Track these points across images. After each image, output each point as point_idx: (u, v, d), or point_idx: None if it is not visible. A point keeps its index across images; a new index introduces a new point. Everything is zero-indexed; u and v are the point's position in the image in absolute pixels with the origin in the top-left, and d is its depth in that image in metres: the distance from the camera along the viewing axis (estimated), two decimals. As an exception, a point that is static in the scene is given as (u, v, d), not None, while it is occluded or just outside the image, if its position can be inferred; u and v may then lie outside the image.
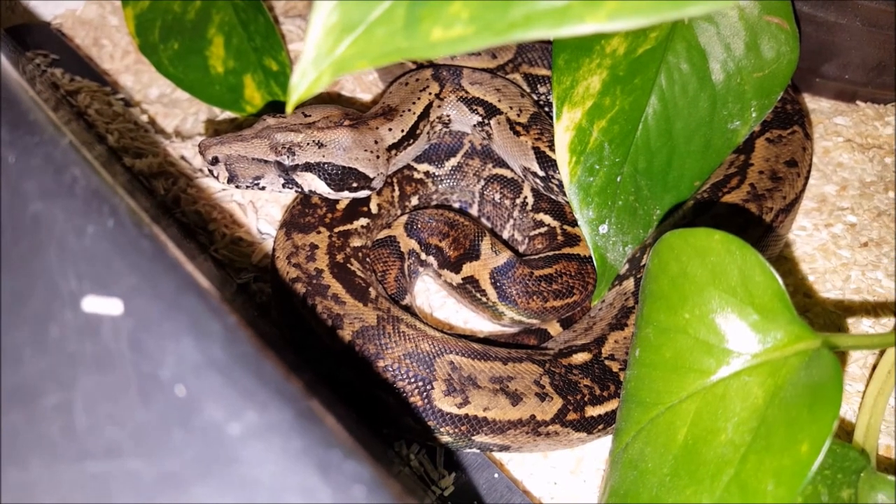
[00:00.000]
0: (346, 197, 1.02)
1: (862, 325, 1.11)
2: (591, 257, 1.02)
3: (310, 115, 1.00)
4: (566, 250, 1.07)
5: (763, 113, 1.00)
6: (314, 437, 0.43)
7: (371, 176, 0.99)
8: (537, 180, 1.09)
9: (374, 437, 0.93)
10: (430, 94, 1.08)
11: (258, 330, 0.50)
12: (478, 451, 0.95)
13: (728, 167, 1.07)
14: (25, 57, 1.29)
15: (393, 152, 1.03)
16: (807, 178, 1.10)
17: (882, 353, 0.80)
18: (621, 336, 0.97)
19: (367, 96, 1.37)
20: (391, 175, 1.12)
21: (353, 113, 1.03)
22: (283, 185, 0.99)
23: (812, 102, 1.39)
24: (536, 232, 1.14)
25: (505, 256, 1.04)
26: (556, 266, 1.04)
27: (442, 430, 0.88)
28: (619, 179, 0.98)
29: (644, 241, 1.01)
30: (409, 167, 1.15)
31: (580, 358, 0.94)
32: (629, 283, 1.02)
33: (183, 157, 1.21)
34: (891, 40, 1.24)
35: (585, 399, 0.90)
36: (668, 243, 0.71)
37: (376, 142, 1.00)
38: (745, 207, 1.01)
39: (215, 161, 0.96)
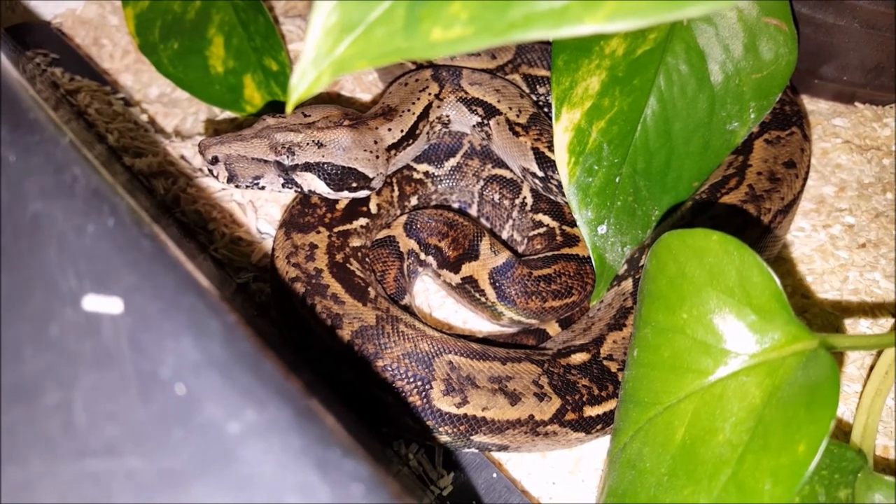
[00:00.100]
0: (345, 197, 1.02)
1: (859, 326, 1.11)
2: (589, 258, 1.02)
3: (309, 115, 1.01)
4: (565, 251, 1.07)
5: (761, 114, 1.00)
6: (313, 435, 0.43)
7: (370, 176, 1.00)
8: (536, 181, 1.09)
9: (373, 437, 0.93)
10: (429, 94, 1.08)
11: (257, 329, 0.50)
12: (476, 450, 0.95)
13: (726, 168, 1.07)
14: (25, 56, 1.29)
15: (392, 152, 1.03)
16: (805, 180, 1.10)
17: (879, 353, 0.80)
18: (620, 336, 0.97)
19: (366, 96, 1.37)
20: (390, 175, 1.12)
21: (353, 113, 1.04)
22: (283, 185, 0.99)
23: (810, 104, 1.39)
24: (535, 232, 1.14)
25: (504, 257, 1.05)
26: (554, 266, 1.04)
27: (441, 429, 0.88)
28: (617, 180, 0.98)
29: (642, 242, 1.01)
30: (408, 167, 1.15)
31: (579, 358, 0.94)
32: (627, 284, 1.02)
33: (183, 157, 1.21)
34: (889, 42, 1.24)
35: (584, 399, 0.90)
36: (667, 244, 0.71)
37: (376, 142, 1.00)
38: (744, 208, 1.01)
39: (215, 161, 0.96)
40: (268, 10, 1.23)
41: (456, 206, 1.22)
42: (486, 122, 1.11)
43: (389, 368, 0.87)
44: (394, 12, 0.46)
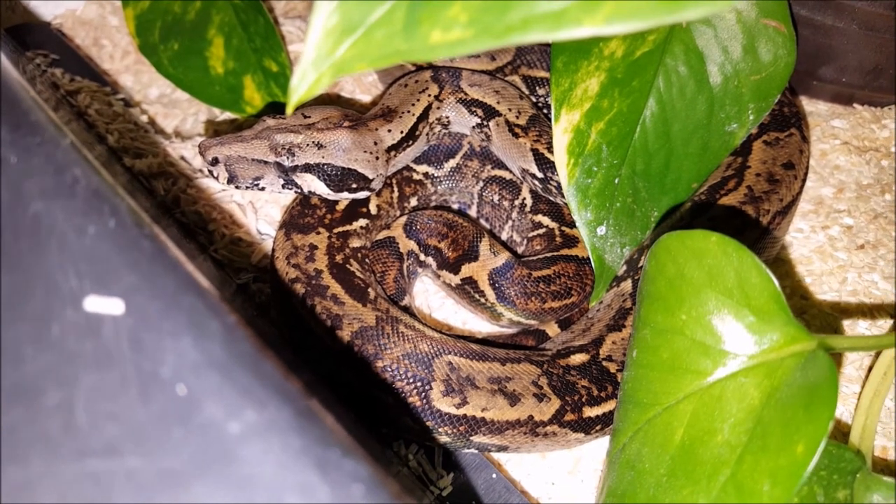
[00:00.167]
0: (345, 198, 1.02)
1: (858, 327, 1.12)
2: (589, 259, 1.02)
3: (309, 117, 1.01)
4: (564, 251, 1.07)
5: (760, 115, 1.01)
6: (313, 435, 0.43)
7: (370, 177, 1.00)
8: (536, 182, 1.09)
9: (373, 437, 0.93)
10: (429, 95, 1.09)
11: (257, 330, 0.50)
12: (476, 451, 0.95)
13: (725, 169, 1.08)
14: (25, 57, 1.29)
15: (392, 153, 1.03)
16: (804, 181, 1.10)
17: (878, 355, 0.80)
18: (619, 337, 0.97)
19: (366, 97, 1.38)
20: (390, 176, 1.12)
21: (353, 114, 1.04)
22: (283, 186, 0.99)
23: (809, 105, 1.39)
24: (535, 233, 1.14)
25: (503, 257, 1.05)
26: (554, 267, 1.04)
27: (440, 430, 0.88)
28: (616, 181, 0.98)
29: (642, 243, 1.02)
30: (408, 168, 1.15)
31: (578, 359, 0.94)
32: (627, 285, 1.02)
33: (183, 158, 1.21)
34: (888, 44, 1.24)
35: (583, 400, 0.91)
36: (666, 245, 0.71)
37: (376, 143, 1.00)
38: (742, 210, 1.01)
39: (215, 162, 0.96)
40: (268, 11, 1.23)
41: (455, 207, 1.22)
42: (485, 123, 1.11)
43: (389, 369, 0.87)
44: (393, 14, 0.47)
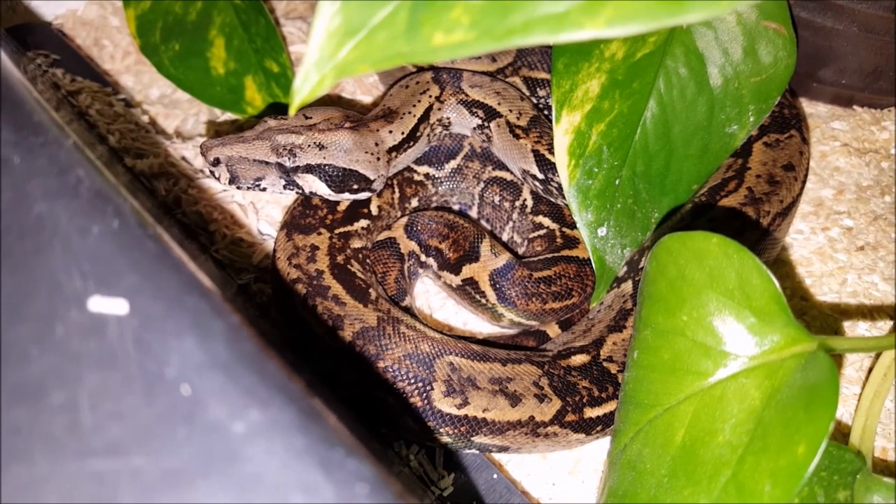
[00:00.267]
0: (346, 198, 1.02)
1: (858, 329, 1.12)
2: (589, 260, 1.02)
3: (311, 117, 1.01)
4: (565, 252, 1.07)
5: (761, 117, 1.01)
6: (317, 435, 0.43)
7: (371, 178, 1.00)
8: (536, 183, 1.10)
9: (374, 438, 0.93)
10: (430, 96, 1.09)
11: (259, 330, 0.50)
12: (477, 451, 0.95)
13: (726, 171, 1.08)
14: (27, 57, 1.29)
15: (393, 154, 1.04)
16: (804, 182, 1.10)
17: (878, 356, 0.80)
18: (620, 338, 0.97)
19: (367, 98, 1.38)
20: (391, 177, 1.12)
21: (354, 115, 1.04)
22: (284, 187, 0.99)
23: (809, 107, 1.40)
24: (535, 234, 1.14)
25: (504, 258, 1.05)
26: (555, 268, 1.05)
27: (441, 430, 0.88)
28: (617, 182, 0.98)
29: (642, 244, 1.02)
30: (409, 169, 1.16)
31: (579, 359, 0.94)
32: (627, 286, 1.02)
33: (184, 158, 1.22)
34: (887, 46, 1.25)
35: (584, 400, 0.91)
36: (667, 246, 0.71)
37: (377, 144, 1.01)
38: (743, 211, 1.02)
39: (217, 162, 0.96)
40: (269, 12, 1.24)
41: (456, 207, 1.23)
42: (486, 124, 1.11)
43: (390, 369, 0.87)
44: (396, 16, 0.47)
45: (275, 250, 1.00)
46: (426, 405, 0.87)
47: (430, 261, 1.09)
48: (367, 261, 1.04)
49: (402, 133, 1.04)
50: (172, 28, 1.24)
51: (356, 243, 1.03)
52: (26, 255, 0.48)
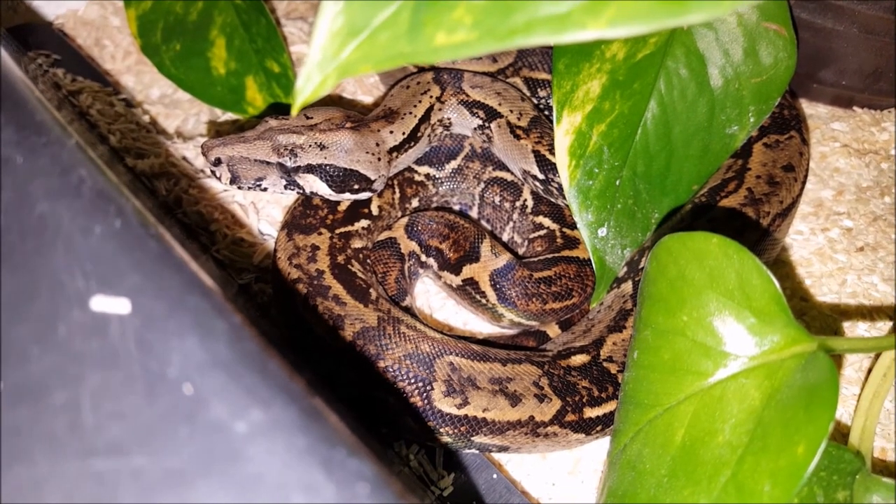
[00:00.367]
0: (347, 198, 1.03)
1: (858, 329, 1.12)
2: (590, 260, 1.02)
3: (312, 118, 1.01)
4: (565, 253, 1.07)
5: (761, 118, 1.01)
6: (318, 434, 0.44)
7: (372, 178, 1.00)
8: (537, 183, 1.10)
9: (374, 438, 0.93)
10: (431, 97, 1.09)
11: (260, 330, 0.50)
12: (477, 451, 0.95)
13: (726, 171, 1.08)
14: (28, 57, 1.29)
15: (394, 154, 1.04)
16: (804, 183, 1.10)
17: (877, 356, 0.80)
18: (620, 338, 0.97)
19: (368, 99, 1.38)
20: (392, 177, 1.12)
21: (355, 115, 1.04)
22: (285, 187, 0.99)
23: (809, 108, 1.40)
24: (536, 234, 1.14)
25: (504, 259, 1.05)
26: (555, 268, 1.05)
27: (441, 430, 0.88)
28: (618, 183, 0.99)
29: (642, 245, 1.02)
30: (409, 169, 1.16)
31: (579, 360, 0.95)
32: (627, 286, 1.02)
33: (185, 158, 1.22)
34: (887, 47, 1.25)
35: (584, 400, 0.91)
36: (667, 246, 0.71)
37: (377, 144, 1.01)
38: (743, 211, 1.02)
39: (218, 162, 0.96)
40: (269, 12, 1.24)
41: (457, 208, 1.23)
42: (487, 124, 1.11)
43: (391, 369, 0.87)
44: (398, 17, 0.47)
45: (275, 250, 1.00)
46: (426, 405, 0.87)
47: (431, 261, 1.09)
48: (368, 261, 1.04)
49: (403, 133, 1.04)
50: (173, 28, 1.24)
51: (357, 243, 1.03)
52: (28, 255, 0.48)
